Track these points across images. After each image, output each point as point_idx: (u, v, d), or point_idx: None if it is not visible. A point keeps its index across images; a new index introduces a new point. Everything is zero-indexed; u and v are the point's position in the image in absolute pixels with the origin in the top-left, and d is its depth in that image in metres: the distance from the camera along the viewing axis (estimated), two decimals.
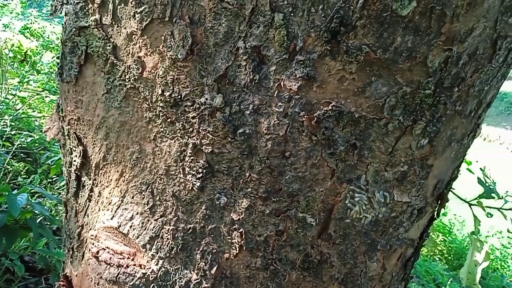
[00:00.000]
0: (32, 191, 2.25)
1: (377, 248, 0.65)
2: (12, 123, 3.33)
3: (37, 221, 1.83)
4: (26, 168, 2.83)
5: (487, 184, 1.27)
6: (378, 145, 0.59)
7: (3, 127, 3.21)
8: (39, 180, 2.68)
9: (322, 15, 0.55)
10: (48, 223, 2.10)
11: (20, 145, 2.98)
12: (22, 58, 4.12)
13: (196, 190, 0.65)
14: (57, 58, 4.85)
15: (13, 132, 3.22)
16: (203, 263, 0.66)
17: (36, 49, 4.64)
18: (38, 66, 4.71)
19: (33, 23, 5.28)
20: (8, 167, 2.70)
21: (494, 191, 1.26)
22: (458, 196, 1.59)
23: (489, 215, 1.36)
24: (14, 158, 2.89)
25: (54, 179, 2.83)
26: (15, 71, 4.32)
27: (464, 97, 0.59)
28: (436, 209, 0.71)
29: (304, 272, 0.64)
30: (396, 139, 0.59)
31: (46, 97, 4.25)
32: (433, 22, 0.54)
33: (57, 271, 1.99)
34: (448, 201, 0.70)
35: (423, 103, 0.58)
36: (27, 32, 4.81)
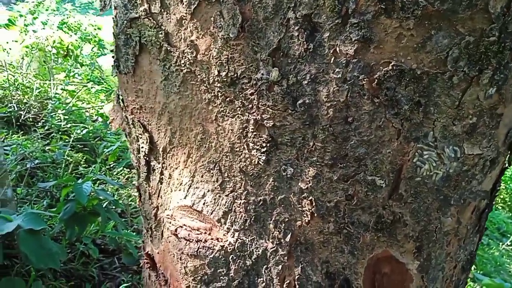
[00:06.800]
0: (94, 178, 2.38)
1: (450, 203, 0.64)
2: (66, 117, 3.50)
3: (103, 206, 1.95)
4: (84, 158, 2.98)
5: None
6: (444, 100, 0.58)
7: (58, 121, 3.38)
8: (98, 168, 2.82)
9: None
10: (113, 207, 2.22)
11: (76, 137, 3.14)
12: (65, 53, 4.28)
13: (262, 164, 0.66)
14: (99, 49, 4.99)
15: (68, 125, 3.38)
16: (277, 232, 0.69)
17: (76, 43, 4.78)
18: (80, 59, 4.86)
19: (69, 17, 5.41)
20: (68, 158, 2.85)
21: None
22: None
23: None
24: (72, 149, 3.05)
25: (112, 165, 2.97)
26: (60, 66, 4.50)
27: None
28: (508, 157, 0.69)
29: (378, 233, 0.65)
30: (463, 91, 0.57)
31: (92, 87, 4.41)
32: None
33: (128, 251, 2.12)
34: None
35: (488, 51, 0.55)
36: (65, 26, 4.94)
